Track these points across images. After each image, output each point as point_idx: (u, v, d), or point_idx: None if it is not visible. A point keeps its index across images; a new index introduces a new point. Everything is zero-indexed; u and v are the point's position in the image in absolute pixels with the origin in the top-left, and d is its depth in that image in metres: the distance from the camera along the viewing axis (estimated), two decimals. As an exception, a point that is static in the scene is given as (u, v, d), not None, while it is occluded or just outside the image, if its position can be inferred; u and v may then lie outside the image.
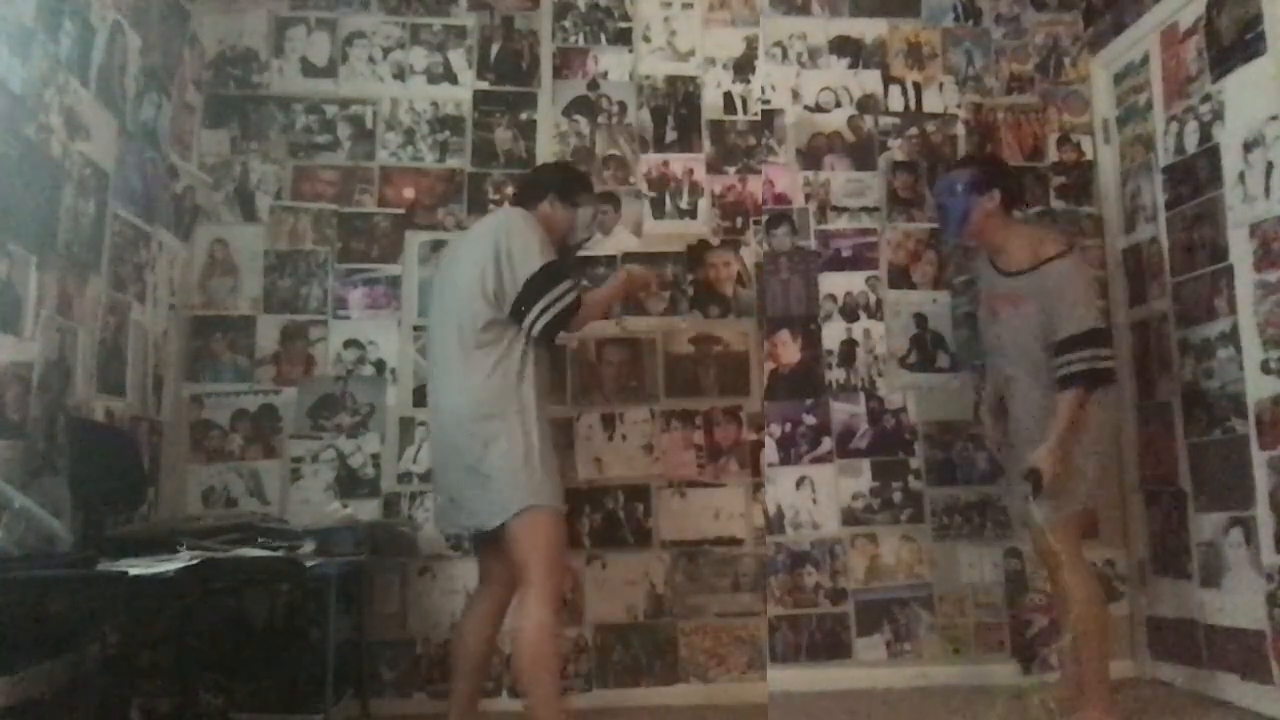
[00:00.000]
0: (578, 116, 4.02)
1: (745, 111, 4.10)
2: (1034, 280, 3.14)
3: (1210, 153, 3.42)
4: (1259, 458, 3.15)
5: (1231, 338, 3.29)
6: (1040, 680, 3.59)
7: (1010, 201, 3.33)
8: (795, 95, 4.11)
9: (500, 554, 2.84)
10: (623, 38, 4.11)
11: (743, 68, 4.13)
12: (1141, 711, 3.27)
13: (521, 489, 2.71)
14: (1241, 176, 3.26)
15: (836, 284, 3.97)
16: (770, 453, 3.84)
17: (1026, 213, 3.87)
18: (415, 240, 3.85)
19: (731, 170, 4.03)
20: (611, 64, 4.08)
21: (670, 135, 4.05)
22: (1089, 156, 4.12)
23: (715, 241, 3.98)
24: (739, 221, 4.00)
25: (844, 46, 4.17)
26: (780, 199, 4.03)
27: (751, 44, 4.15)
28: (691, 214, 4.00)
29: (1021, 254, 3.21)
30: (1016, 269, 3.21)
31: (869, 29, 4.18)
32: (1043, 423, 3.08)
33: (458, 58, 4.01)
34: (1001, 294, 3.27)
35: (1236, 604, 3.25)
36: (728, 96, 4.09)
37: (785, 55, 4.15)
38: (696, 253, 3.96)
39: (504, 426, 2.73)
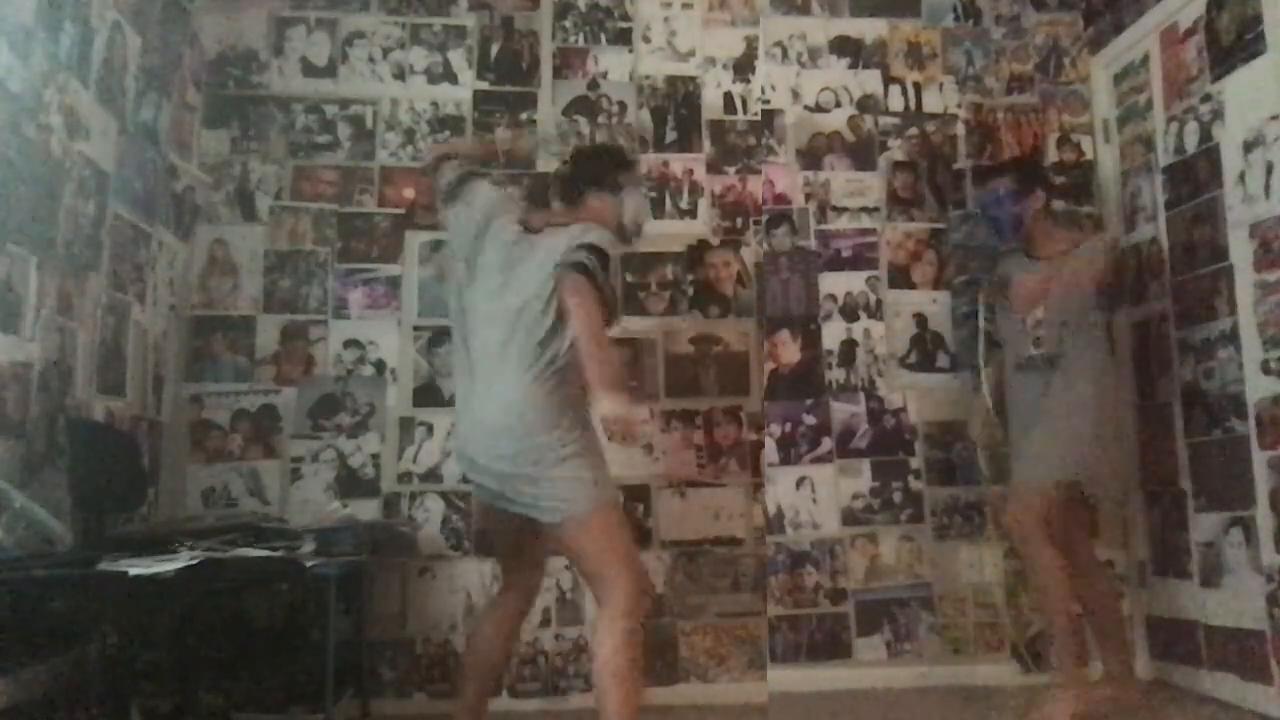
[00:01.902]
0: (578, 116, 4.02)
1: (745, 111, 4.10)
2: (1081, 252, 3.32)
3: (1210, 153, 3.42)
4: (1259, 458, 3.15)
5: (1231, 338, 3.29)
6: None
7: (1050, 197, 3.52)
8: (795, 95, 4.11)
9: (527, 562, 2.76)
10: (623, 38, 4.11)
11: (743, 68, 4.13)
12: (1141, 711, 3.27)
13: (584, 494, 2.49)
14: (1241, 176, 3.26)
15: (836, 284, 3.97)
16: (770, 453, 3.83)
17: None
18: (415, 240, 3.85)
19: (731, 170, 4.03)
20: (611, 64, 4.08)
21: (670, 135, 4.05)
22: (1089, 156, 4.12)
23: (715, 241, 3.98)
24: (739, 221, 4.00)
25: (844, 46, 4.17)
26: (780, 199, 4.03)
27: (751, 44, 4.15)
28: (691, 214, 3.99)
29: (1062, 241, 3.41)
30: (1058, 252, 3.36)
31: (869, 29, 4.18)
32: (1097, 381, 3.23)
33: (458, 58, 4.02)
34: (1042, 278, 3.34)
35: (1236, 604, 3.25)
36: (728, 96, 4.09)
37: (785, 55, 4.15)
38: (696, 252, 3.96)
39: (568, 439, 2.51)
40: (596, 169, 2.92)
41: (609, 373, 2.51)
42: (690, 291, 3.94)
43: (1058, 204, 4.03)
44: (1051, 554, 3.15)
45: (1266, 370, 3.13)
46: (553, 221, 2.77)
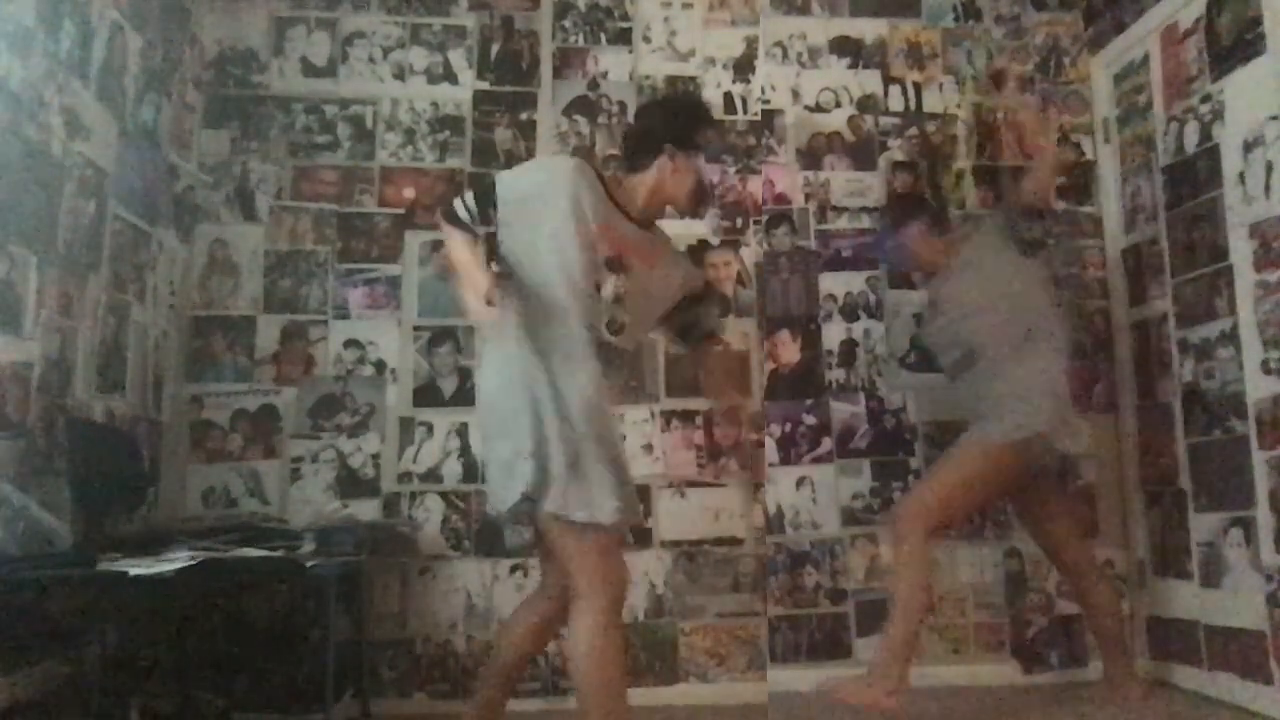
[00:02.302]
0: (578, 116, 4.02)
1: (745, 111, 4.09)
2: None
3: (1210, 153, 3.42)
4: (1259, 458, 3.14)
5: (1231, 338, 3.29)
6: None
7: (937, 222, 3.64)
8: (795, 95, 4.11)
9: (551, 561, 2.52)
10: (623, 38, 4.11)
11: (743, 68, 4.13)
12: (1141, 712, 3.26)
13: (508, 486, 2.29)
14: (1241, 176, 3.26)
15: (836, 284, 3.96)
16: (770, 453, 3.83)
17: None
18: (415, 240, 3.85)
19: (732, 170, 4.03)
20: (611, 64, 4.08)
21: (670, 135, 4.05)
22: (1089, 156, 4.12)
23: (715, 241, 3.98)
24: (739, 221, 4.00)
25: (844, 46, 4.17)
26: (780, 199, 4.02)
27: (751, 44, 4.15)
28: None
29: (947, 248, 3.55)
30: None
31: (869, 29, 4.18)
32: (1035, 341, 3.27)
33: (458, 58, 4.02)
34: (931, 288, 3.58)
35: (1236, 604, 3.25)
36: (728, 96, 4.09)
37: (785, 55, 4.15)
38: (696, 252, 3.96)
39: (504, 426, 2.33)
40: (675, 124, 2.57)
41: (467, 280, 2.33)
42: (690, 291, 3.93)
43: (1058, 204, 4.06)
44: (928, 556, 3.20)
45: (1266, 370, 3.13)
46: None
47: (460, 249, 2.41)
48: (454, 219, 2.44)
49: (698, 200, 2.61)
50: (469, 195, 2.45)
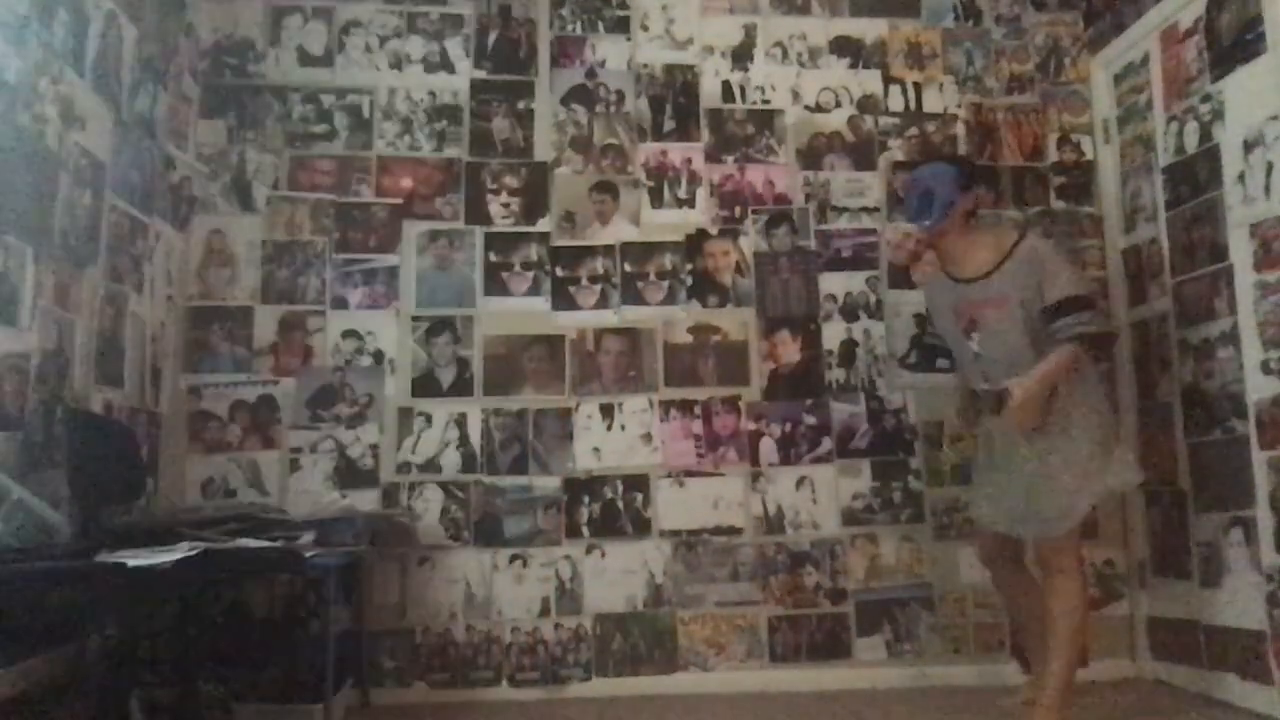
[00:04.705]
0: (575, 105, 4.01)
1: (744, 100, 4.08)
2: (1009, 269, 3.01)
3: (1210, 153, 3.42)
4: (1259, 458, 3.15)
5: (1231, 338, 3.29)
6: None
7: (975, 208, 3.24)
8: (795, 95, 4.10)
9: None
10: (620, 26, 4.09)
11: (741, 56, 4.11)
12: (1142, 711, 3.27)
13: None
14: (1241, 176, 3.26)
15: (836, 284, 3.95)
16: (770, 453, 3.82)
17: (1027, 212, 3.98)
18: (413, 230, 3.84)
19: (730, 159, 4.02)
20: (609, 52, 4.06)
21: (668, 124, 4.04)
22: (1089, 156, 4.12)
23: (714, 231, 3.97)
24: (737, 210, 3.99)
25: (844, 46, 4.16)
26: (780, 199, 4.01)
27: (750, 33, 4.13)
28: (690, 203, 3.98)
29: (986, 255, 3.08)
30: (986, 270, 3.06)
31: (869, 29, 4.17)
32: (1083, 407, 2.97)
33: (455, 46, 4.00)
34: (978, 300, 3.07)
35: (1236, 604, 3.26)
36: (726, 85, 4.08)
37: (785, 55, 4.13)
38: (695, 242, 3.95)
39: None
40: None
41: None
42: (689, 281, 3.92)
43: (1058, 204, 4.07)
44: (1084, 583, 3.01)
45: (1266, 370, 3.14)
46: None
47: None
48: None
49: None
50: None
